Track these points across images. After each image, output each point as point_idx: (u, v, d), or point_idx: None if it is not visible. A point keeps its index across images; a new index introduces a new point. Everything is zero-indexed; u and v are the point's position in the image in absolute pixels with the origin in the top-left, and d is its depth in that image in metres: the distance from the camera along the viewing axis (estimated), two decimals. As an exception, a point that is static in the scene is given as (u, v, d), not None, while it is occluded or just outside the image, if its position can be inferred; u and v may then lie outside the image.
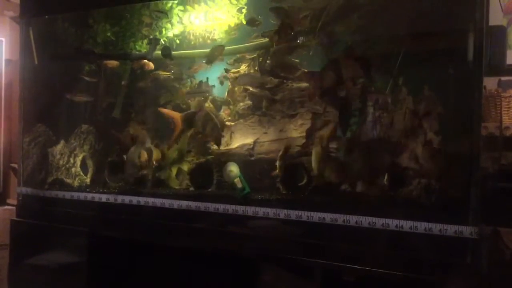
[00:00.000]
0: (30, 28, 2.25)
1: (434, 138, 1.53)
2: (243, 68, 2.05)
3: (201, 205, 1.70)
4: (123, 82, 2.27)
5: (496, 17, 1.87)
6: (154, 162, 2.01)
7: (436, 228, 1.31)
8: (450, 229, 1.29)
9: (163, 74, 2.24)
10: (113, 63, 2.26)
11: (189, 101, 2.10)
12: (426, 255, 1.34)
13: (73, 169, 2.14)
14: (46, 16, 2.28)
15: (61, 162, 2.15)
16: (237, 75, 2.05)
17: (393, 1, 1.67)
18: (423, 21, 1.57)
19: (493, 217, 1.49)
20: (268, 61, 1.93)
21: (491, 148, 1.78)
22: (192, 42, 2.19)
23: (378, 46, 1.69)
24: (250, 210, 1.61)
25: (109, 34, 2.15)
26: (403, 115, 1.58)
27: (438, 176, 1.46)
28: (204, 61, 2.10)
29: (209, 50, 2.08)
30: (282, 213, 1.55)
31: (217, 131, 1.82)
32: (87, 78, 2.26)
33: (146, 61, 2.21)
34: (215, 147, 1.97)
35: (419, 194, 1.46)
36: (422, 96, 1.58)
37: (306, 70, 1.84)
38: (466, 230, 1.28)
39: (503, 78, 2.14)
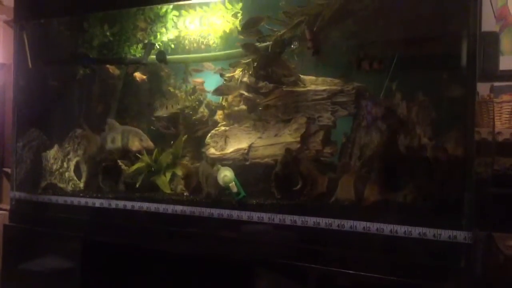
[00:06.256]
0: (24, 32, 2.24)
1: (428, 143, 1.54)
2: (238, 72, 2.04)
3: (196, 210, 1.71)
4: None
5: (489, 23, 1.88)
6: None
7: (430, 233, 1.31)
8: (444, 234, 1.30)
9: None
10: (113, 68, 2.25)
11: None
12: (421, 260, 1.34)
13: (66, 174, 2.13)
14: (40, 20, 2.27)
15: (54, 167, 2.14)
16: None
17: (387, 7, 1.67)
18: (417, 26, 1.58)
19: (486, 222, 1.50)
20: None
21: (484, 153, 1.79)
22: (187, 47, 2.20)
23: (372, 51, 1.69)
24: (244, 215, 1.61)
25: (104, 38, 2.15)
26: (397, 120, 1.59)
27: (432, 182, 1.46)
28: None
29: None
30: (277, 218, 1.55)
31: None
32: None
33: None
34: (209, 151, 1.97)
35: (413, 199, 1.47)
36: (416, 101, 1.59)
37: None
38: (460, 235, 1.28)
39: (495, 84, 2.16)
